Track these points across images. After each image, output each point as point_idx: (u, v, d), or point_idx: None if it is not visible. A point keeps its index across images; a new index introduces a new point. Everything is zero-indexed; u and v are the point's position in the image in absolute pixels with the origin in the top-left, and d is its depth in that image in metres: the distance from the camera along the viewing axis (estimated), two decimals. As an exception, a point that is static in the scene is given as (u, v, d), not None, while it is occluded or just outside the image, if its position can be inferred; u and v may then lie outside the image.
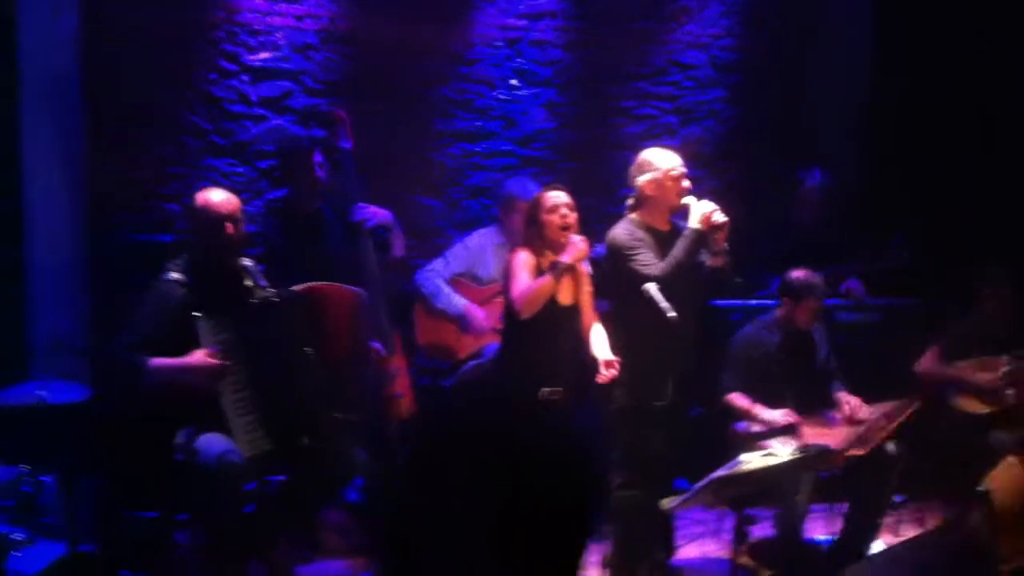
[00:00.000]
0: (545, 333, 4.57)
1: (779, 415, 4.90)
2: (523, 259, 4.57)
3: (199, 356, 4.16)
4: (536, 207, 4.63)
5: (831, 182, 6.32)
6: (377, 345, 5.20)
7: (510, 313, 4.58)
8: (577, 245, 4.57)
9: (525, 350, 4.60)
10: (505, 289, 4.62)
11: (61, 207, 5.33)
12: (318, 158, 5.26)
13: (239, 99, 5.76)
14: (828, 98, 7.01)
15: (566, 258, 4.54)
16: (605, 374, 4.53)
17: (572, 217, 4.61)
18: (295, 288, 4.42)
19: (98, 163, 5.42)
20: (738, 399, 5.04)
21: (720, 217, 4.62)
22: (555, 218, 4.58)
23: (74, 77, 5.31)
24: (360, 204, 5.34)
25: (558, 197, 4.62)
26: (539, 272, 4.56)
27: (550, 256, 4.61)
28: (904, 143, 6.61)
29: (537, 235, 4.60)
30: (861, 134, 6.91)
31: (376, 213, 5.36)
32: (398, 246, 5.50)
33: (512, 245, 4.93)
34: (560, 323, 4.62)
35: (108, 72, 5.43)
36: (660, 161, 4.74)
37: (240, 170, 5.79)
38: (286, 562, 4.63)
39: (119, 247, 5.47)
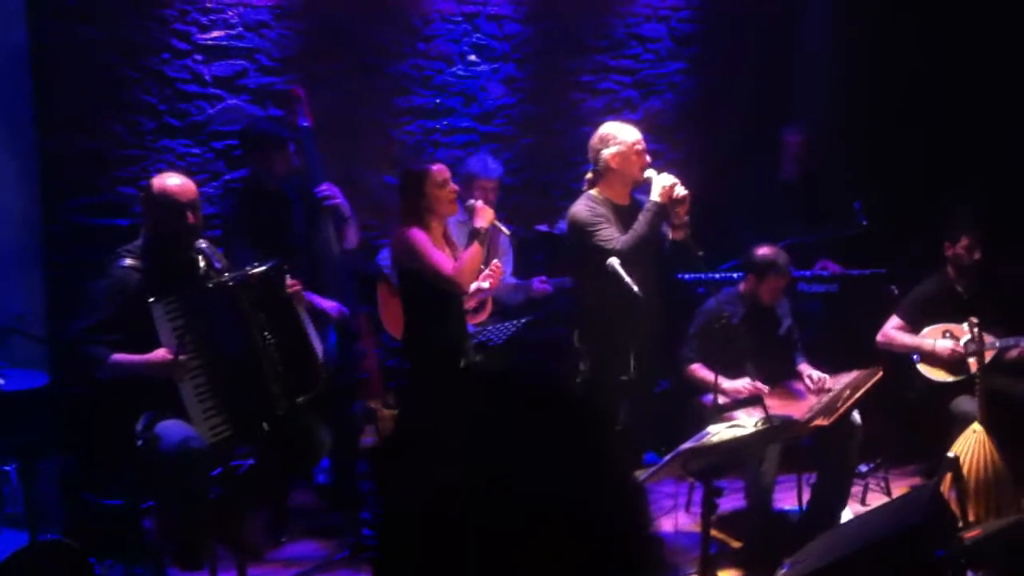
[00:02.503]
0: (455, 301, 4.66)
1: (741, 385, 4.92)
2: (424, 238, 4.57)
3: (161, 354, 4.08)
4: (425, 182, 4.61)
5: (811, 138, 6.35)
6: (337, 309, 5.17)
7: (435, 290, 4.56)
8: (486, 209, 4.70)
9: (454, 320, 4.67)
10: (426, 268, 4.54)
11: (12, 189, 5.21)
12: (291, 148, 5.18)
13: (193, 79, 5.65)
14: (793, 65, 7.02)
15: (482, 223, 4.61)
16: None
17: (455, 188, 4.70)
18: (250, 271, 4.32)
19: (49, 144, 5.31)
20: (700, 370, 5.05)
21: (681, 190, 4.63)
22: (447, 192, 4.62)
23: (23, 55, 5.18)
24: (327, 184, 5.28)
25: (444, 171, 4.68)
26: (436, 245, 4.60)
27: (436, 228, 4.62)
28: (870, 107, 6.64)
29: (427, 209, 4.61)
30: (827, 99, 6.91)
31: (338, 195, 5.31)
32: (351, 237, 5.46)
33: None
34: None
35: (58, 51, 5.31)
36: (624, 134, 4.73)
37: (196, 151, 5.69)
38: (254, 544, 4.59)
39: (73, 230, 5.37)
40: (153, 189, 4.32)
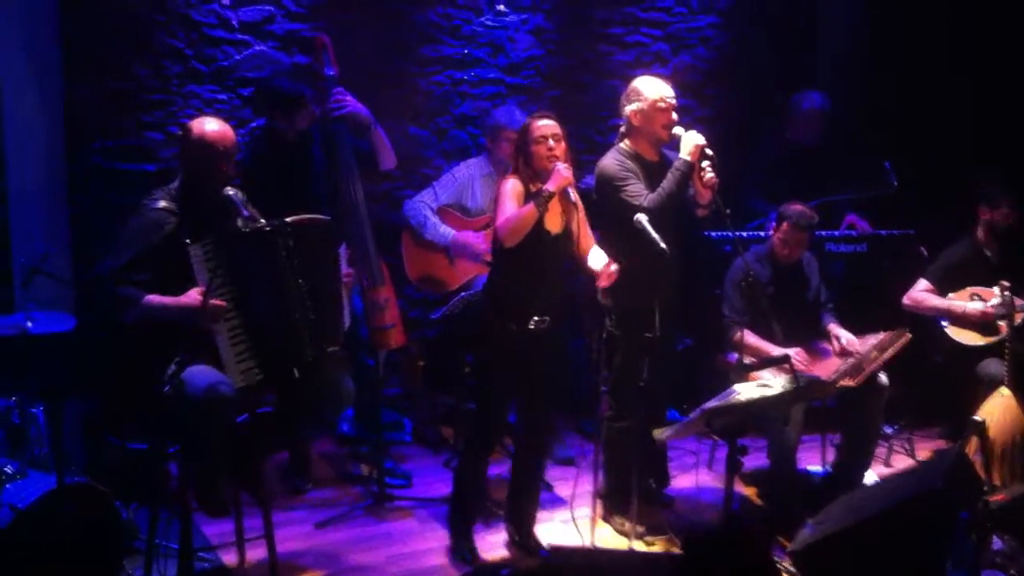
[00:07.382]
0: (533, 262, 4.48)
1: (791, 353, 4.83)
2: (511, 187, 4.45)
3: (194, 296, 4.04)
4: (524, 136, 4.51)
5: (828, 105, 6.23)
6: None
7: (498, 242, 4.49)
8: (561, 173, 4.41)
9: (513, 279, 4.52)
10: (493, 218, 4.52)
11: (37, 130, 5.19)
12: (309, 99, 5.11)
13: (220, 24, 5.60)
14: (824, 23, 6.92)
15: (550, 186, 4.41)
16: (605, 278, 4.39)
17: (559, 148, 4.49)
18: (288, 219, 4.28)
19: (75, 86, 5.28)
20: (748, 337, 4.94)
21: (708, 151, 4.56)
22: (542, 149, 4.45)
23: (50, -1, 5.15)
24: (337, 89, 5.14)
25: (546, 127, 4.48)
26: (527, 200, 4.46)
27: (538, 185, 4.51)
28: (900, 69, 6.54)
29: (524, 163, 4.50)
30: (857, 60, 6.81)
31: (350, 103, 5.12)
32: (386, 157, 5.29)
33: (499, 174, 4.81)
34: (548, 251, 4.52)
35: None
36: (648, 90, 4.66)
37: (222, 97, 5.65)
38: (271, 489, 4.59)
39: (98, 173, 5.35)
40: (191, 133, 4.25)
